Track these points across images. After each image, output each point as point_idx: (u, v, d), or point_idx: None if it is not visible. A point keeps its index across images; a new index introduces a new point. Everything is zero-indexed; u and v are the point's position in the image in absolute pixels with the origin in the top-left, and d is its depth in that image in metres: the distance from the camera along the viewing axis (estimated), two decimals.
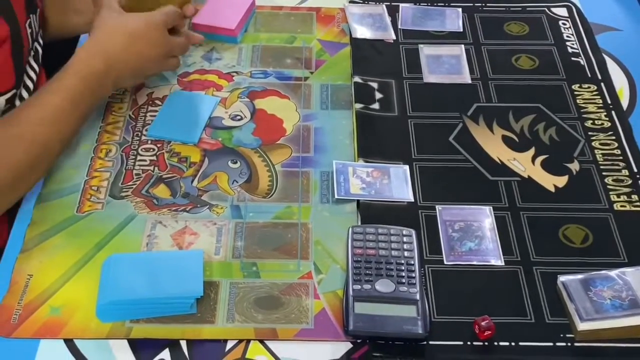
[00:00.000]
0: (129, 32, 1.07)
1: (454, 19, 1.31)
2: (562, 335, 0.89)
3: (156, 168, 1.07)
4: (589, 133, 1.13)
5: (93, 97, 1.04)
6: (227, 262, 0.96)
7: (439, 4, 1.35)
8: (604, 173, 1.07)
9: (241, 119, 1.15)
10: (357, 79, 1.20)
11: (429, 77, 1.22)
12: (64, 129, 1.00)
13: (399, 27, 1.30)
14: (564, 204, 1.03)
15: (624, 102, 1.19)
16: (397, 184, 1.05)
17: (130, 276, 0.90)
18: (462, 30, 1.29)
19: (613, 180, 1.06)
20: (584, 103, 1.18)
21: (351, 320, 0.88)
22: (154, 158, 1.08)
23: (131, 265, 0.92)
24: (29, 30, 1.06)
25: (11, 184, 0.95)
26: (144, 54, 1.08)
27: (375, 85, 1.20)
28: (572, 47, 1.27)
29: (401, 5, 1.33)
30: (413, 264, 0.93)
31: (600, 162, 1.09)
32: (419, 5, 1.34)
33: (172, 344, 0.88)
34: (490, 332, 0.88)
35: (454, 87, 1.20)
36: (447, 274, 0.95)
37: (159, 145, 1.10)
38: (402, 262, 0.93)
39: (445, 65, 1.24)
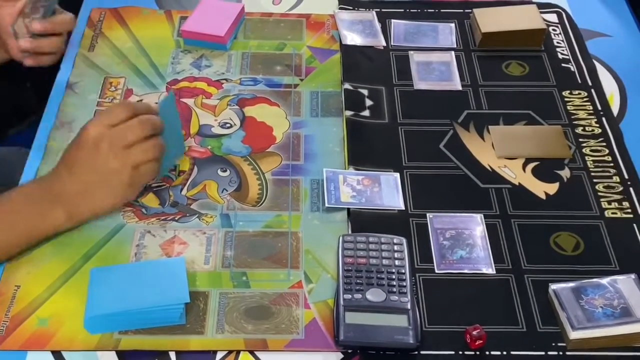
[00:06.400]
0: (66, 153, 0.97)
1: (447, 35, 1.30)
2: (553, 344, 0.89)
3: None
4: (580, 139, 1.13)
5: (41, 222, 0.94)
6: (216, 271, 0.95)
7: (429, 11, 1.35)
8: (594, 180, 1.07)
9: (231, 126, 1.14)
10: (347, 85, 1.20)
11: (420, 84, 1.22)
12: None
13: (391, 43, 1.29)
14: (555, 211, 1.03)
15: (615, 108, 1.19)
16: (388, 191, 1.05)
17: (116, 288, 0.90)
18: (455, 45, 1.28)
19: (604, 187, 1.06)
20: (574, 109, 1.18)
21: (342, 330, 0.87)
22: None
23: (116, 277, 0.91)
24: None
25: None
26: (83, 162, 0.94)
27: (365, 92, 1.20)
28: (562, 54, 1.27)
29: (393, 21, 1.32)
30: (404, 273, 0.93)
31: (591, 169, 1.09)
32: (410, 20, 1.32)
33: (161, 355, 0.87)
34: (481, 341, 0.87)
35: (444, 93, 1.20)
36: (439, 283, 0.95)
37: None
38: (393, 271, 0.93)
39: (436, 72, 1.24)
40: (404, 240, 0.97)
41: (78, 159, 0.95)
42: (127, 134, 0.94)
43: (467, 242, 0.99)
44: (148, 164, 0.96)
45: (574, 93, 1.20)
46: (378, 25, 1.32)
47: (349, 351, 0.88)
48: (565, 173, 1.08)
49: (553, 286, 0.92)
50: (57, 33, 1.13)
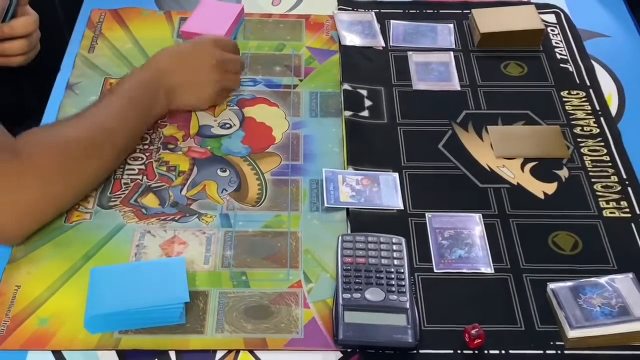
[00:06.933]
0: (177, 51, 1.16)
1: (445, 35, 1.30)
2: (552, 343, 0.89)
3: (145, 177, 1.07)
4: (578, 139, 1.13)
5: (147, 101, 1.08)
6: (216, 271, 0.96)
7: (428, 11, 1.35)
8: (593, 179, 1.07)
9: (230, 127, 1.15)
10: (346, 86, 1.20)
11: (418, 84, 1.22)
12: (125, 123, 1.04)
13: (390, 43, 1.29)
14: (554, 210, 1.03)
15: (613, 108, 1.19)
16: (387, 191, 1.05)
17: (116, 288, 0.90)
18: (454, 46, 1.29)
19: (602, 186, 1.07)
20: (572, 109, 1.18)
21: (341, 329, 0.88)
22: (143, 167, 1.08)
23: (116, 277, 0.92)
24: None
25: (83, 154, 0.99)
26: (193, 65, 1.13)
27: (364, 92, 1.20)
28: (560, 54, 1.28)
29: (392, 21, 1.32)
30: (403, 272, 0.93)
31: (589, 169, 1.09)
32: (409, 20, 1.33)
33: (161, 355, 0.88)
34: (480, 340, 0.88)
35: (443, 94, 1.20)
36: (437, 282, 0.95)
37: (147, 154, 1.10)
38: (392, 270, 0.93)
39: (435, 72, 1.24)
40: (402, 240, 0.97)
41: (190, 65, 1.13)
42: (232, 63, 1.17)
43: (466, 241, 0.99)
44: (229, 91, 1.18)
45: (572, 93, 1.21)
46: (377, 26, 1.32)
47: (348, 350, 0.88)
48: (563, 173, 1.08)
49: (551, 285, 0.92)
50: (20, 36, 1.12)
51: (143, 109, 1.08)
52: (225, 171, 1.08)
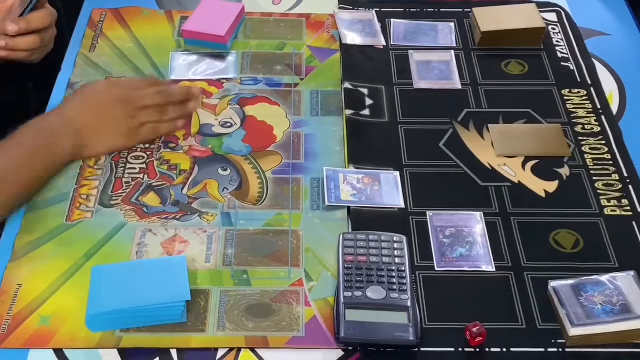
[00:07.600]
0: (85, 93, 1.11)
1: (446, 34, 1.30)
2: (553, 341, 0.89)
3: (146, 176, 1.07)
4: (579, 138, 1.13)
5: (51, 148, 1.03)
6: (217, 270, 0.96)
7: (429, 10, 1.35)
8: (594, 178, 1.07)
9: (231, 126, 1.15)
10: (347, 85, 1.20)
11: (419, 83, 1.22)
12: (23, 171, 1.00)
13: (391, 42, 1.29)
14: (555, 209, 1.03)
15: (614, 107, 1.19)
16: (388, 190, 1.05)
17: (117, 286, 0.90)
18: (455, 45, 1.29)
19: (603, 184, 1.07)
20: (573, 108, 1.18)
21: (342, 327, 0.88)
22: (144, 166, 1.08)
23: (117, 275, 0.92)
24: None
25: None
26: (97, 105, 1.07)
27: (365, 91, 1.20)
28: (561, 52, 1.28)
29: (393, 20, 1.33)
30: (404, 271, 0.93)
31: (590, 167, 1.09)
32: (410, 19, 1.33)
33: (163, 353, 0.88)
34: (481, 338, 0.88)
35: (444, 92, 1.20)
36: (438, 280, 0.95)
37: (148, 153, 1.10)
38: (393, 268, 0.93)
39: (435, 71, 1.24)
40: (404, 238, 0.97)
41: (89, 101, 1.08)
42: (143, 99, 1.08)
43: (467, 239, 0.99)
44: (148, 125, 1.09)
45: (573, 91, 1.21)
46: (378, 25, 1.32)
47: (350, 348, 0.88)
48: (564, 171, 1.09)
49: (553, 283, 0.92)
50: (35, 30, 1.11)
51: (45, 156, 1.03)
52: (226, 170, 1.08)
